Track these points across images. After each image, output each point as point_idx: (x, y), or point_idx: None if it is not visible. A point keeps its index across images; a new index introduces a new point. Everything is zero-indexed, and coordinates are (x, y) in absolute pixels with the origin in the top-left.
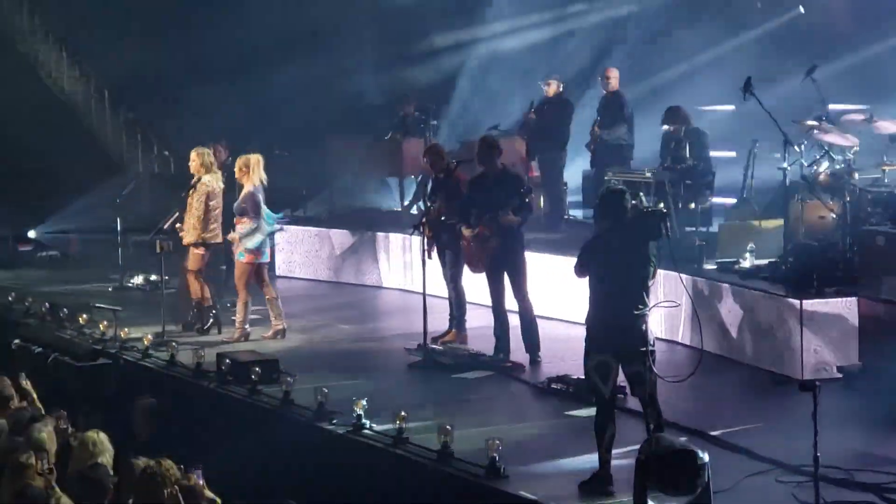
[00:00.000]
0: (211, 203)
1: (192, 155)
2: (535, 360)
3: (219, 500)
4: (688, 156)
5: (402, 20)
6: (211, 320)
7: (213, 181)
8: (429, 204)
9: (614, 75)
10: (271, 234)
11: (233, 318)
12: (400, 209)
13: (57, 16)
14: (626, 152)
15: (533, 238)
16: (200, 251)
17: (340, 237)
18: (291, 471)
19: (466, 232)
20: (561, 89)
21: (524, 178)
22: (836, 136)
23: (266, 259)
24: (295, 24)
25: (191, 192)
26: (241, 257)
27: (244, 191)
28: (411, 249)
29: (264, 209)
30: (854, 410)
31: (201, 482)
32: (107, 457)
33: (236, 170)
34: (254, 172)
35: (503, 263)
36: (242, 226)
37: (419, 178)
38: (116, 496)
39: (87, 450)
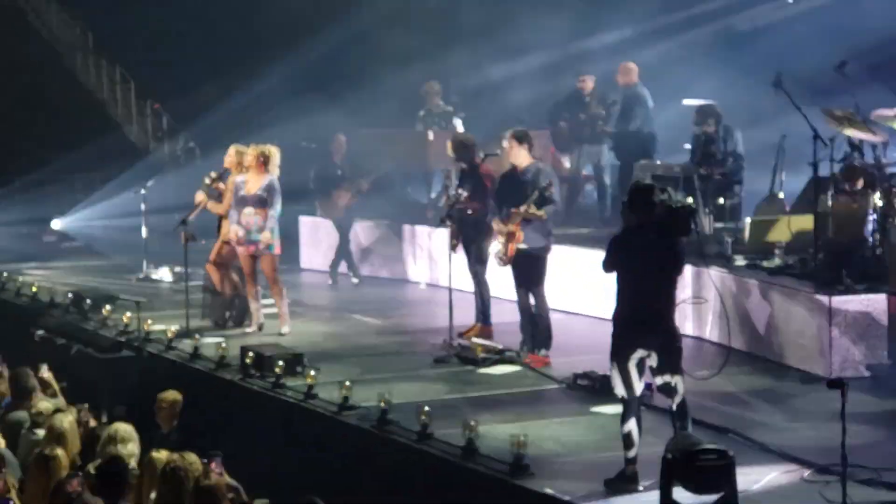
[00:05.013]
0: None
1: (231, 150)
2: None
3: (241, 487)
4: (719, 152)
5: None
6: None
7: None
8: (454, 197)
9: (629, 70)
10: None
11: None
12: (426, 202)
13: (81, 7)
14: (648, 145)
15: (563, 233)
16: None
17: (366, 230)
18: (315, 465)
19: (496, 226)
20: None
21: (551, 173)
22: (866, 131)
23: None
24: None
25: (219, 183)
26: (271, 250)
27: (265, 180)
28: (438, 243)
29: None
30: (882, 409)
31: (219, 470)
32: (130, 447)
33: (251, 158)
34: (274, 164)
35: (526, 258)
36: (265, 218)
37: (448, 170)
38: (139, 490)
39: (114, 442)
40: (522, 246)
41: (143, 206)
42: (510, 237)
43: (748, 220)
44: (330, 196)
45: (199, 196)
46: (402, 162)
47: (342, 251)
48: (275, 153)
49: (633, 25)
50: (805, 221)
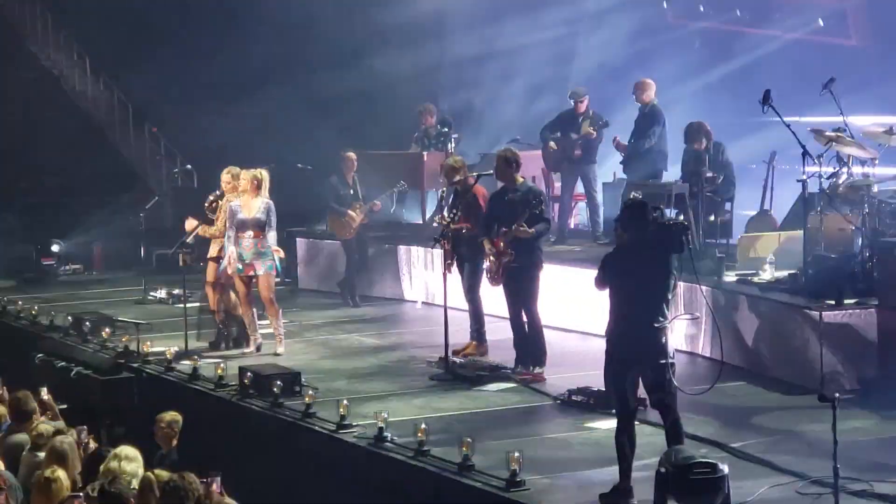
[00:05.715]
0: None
1: (226, 175)
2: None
3: None
4: (709, 169)
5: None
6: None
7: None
8: (448, 217)
9: (647, 87)
10: None
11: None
12: (421, 222)
13: (79, 31)
14: (658, 163)
15: (555, 251)
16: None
17: None
18: (313, 483)
19: (486, 245)
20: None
21: (541, 191)
22: (855, 147)
23: None
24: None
25: (215, 207)
26: (271, 269)
27: (262, 203)
28: (433, 262)
29: None
30: (872, 421)
31: (219, 489)
32: (133, 468)
33: (245, 182)
34: (265, 186)
35: (518, 276)
36: (264, 240)
37: (441, 190)
38: None
39: (118, 464)
40: (514, 264)
41: (141, 229)
42: (501, 256)
43: (739, 236)
44: (342, 216)
45: (189, 224)
46: (396, 183)
47: (352, 272)
48: (266, 176)
49: (626, 46)
50: (795, 237)
